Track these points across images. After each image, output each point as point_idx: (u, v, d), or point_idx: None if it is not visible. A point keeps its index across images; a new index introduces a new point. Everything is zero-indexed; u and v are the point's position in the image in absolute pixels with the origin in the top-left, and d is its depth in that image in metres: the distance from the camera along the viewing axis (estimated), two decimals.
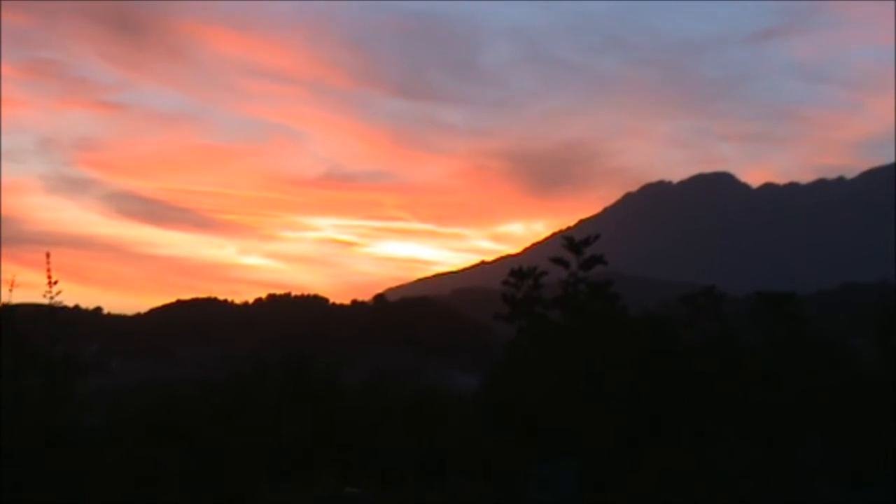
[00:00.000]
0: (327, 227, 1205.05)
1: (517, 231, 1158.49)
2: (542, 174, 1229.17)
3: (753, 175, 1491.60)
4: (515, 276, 30.75)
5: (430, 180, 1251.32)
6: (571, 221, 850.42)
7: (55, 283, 17.72)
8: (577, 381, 28.46)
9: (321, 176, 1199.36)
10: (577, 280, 29.83)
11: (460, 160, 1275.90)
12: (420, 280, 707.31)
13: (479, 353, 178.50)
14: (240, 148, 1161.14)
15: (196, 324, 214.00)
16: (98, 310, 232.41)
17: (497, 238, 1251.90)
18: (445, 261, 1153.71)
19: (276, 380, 39.18)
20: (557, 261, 30.12)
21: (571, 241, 29.98)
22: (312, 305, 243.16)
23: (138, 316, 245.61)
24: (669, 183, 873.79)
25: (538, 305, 30.39)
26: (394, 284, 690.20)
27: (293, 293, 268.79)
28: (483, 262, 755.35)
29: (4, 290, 18.56)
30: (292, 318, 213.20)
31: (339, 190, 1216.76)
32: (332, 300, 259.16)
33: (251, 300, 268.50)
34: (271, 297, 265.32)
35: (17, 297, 18.60)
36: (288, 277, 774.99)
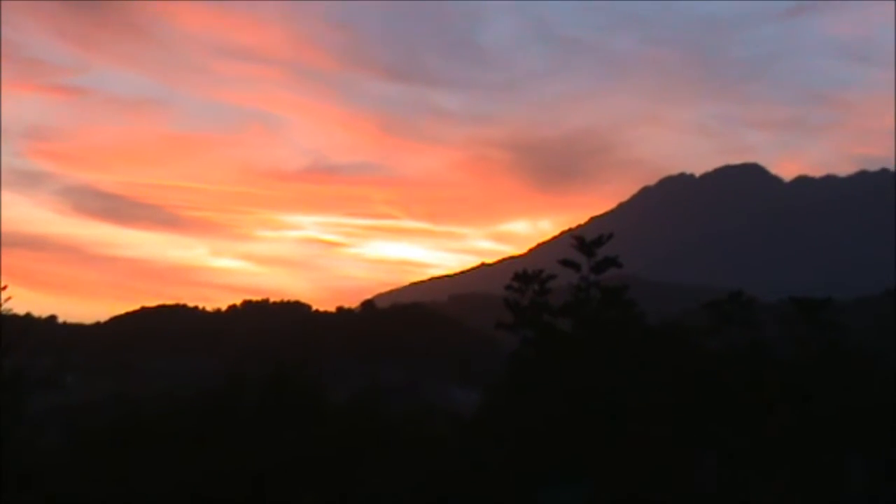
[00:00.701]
0: (310, 225, 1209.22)
1: (521, 230, 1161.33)
2: (550, 166, 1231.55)
3: (786, 167, 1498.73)
4: (520, 281, 30.71)
5: (425, 173, 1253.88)
6: (582, 219, 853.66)
7: (4, 288, 17.72)
8: (588, 398, 28.42)
9: (303, 168, 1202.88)
10: (588, 285, 29.79)
11: (458, 150, 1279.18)
12: (413, 285, 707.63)
13: (480, 367, 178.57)
14: (212, 137, 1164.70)
15: (163, 334, 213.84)
16: (52, 318, 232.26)
17: (499, 238, 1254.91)
18: (441, 263, 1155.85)
19: (253, 397, 39.12)
20: (567, 263, 30.10)
21: (582, 242, 29.94)
22: (293, 313, 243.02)
23: (98, 325, 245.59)
24: (691, 176, 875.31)
25: (545, 313, 30.34)
26: (384, 289, 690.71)
27: (271, 299, 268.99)
28: (483, 265, 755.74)
29: None
30: (271, 327, 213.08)
31: (323, 184, 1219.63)
32: (315, 307, 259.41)
33: (224, 307, 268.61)
34: (247, 303, 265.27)
35: None
36: (266, 282, 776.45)
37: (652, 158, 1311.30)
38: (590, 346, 29.45)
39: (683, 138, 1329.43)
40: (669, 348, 30.29)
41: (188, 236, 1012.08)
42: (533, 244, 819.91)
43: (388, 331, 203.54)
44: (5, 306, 18.71)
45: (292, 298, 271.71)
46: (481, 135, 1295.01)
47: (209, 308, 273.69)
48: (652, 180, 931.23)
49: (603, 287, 29.79)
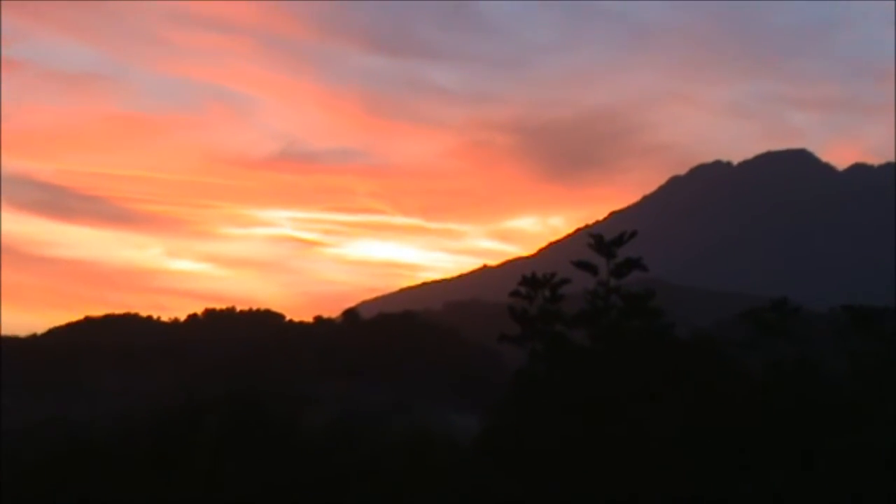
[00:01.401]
0: (283, 221, 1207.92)
1: (529, 227, 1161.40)
2: (562, 153, 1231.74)
3: (839, 153, 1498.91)
4: (527, 286, 30.80)
5: (416, 161, 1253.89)
6: (600, 214, 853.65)
7: None
8: (608, 421, 28.50)
9: (274, 155, 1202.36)
10: (607, 290, 29.88)
11: (455, 134, 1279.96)
12: (403, 291, 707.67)
13: (481, 386, 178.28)
14: (167, 119, 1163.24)
15: (111, 349, 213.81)
16: None
17: (503, 236, 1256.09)
18: (436, 265, 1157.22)
19: (215, 423, 39.11)
20: (582, 265, 30.20)
21: (600, 241, 30.03)
22: (263, 324, 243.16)
23: (35, 338, 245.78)
24: (728, 164, 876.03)
25: (557, 323, 30.43)
26: (369, 296, 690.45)
27: (238, 308, 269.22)
28: (485, 268, 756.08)
29: None
30: (237, 340, 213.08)
31: (298, 173, 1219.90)
32: (288, 317, 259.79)
33: (183, 317, 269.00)
34: (210, 313, 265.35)
35: None
36: (231, 287, 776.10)
37: (682, 144, 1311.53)
38: (609, 362, 29.55)
39: (718, 120, 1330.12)
40: (702, 365, 30.38)
41: (140, 234, 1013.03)
42: (542, 244, 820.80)
43: (374, 345, 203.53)
44: None
45: (262, 307, 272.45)
46: (482, 116, 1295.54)
47: (165, 318, 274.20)
48: (682, 169, 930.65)
49: (624, 293, 29.89)
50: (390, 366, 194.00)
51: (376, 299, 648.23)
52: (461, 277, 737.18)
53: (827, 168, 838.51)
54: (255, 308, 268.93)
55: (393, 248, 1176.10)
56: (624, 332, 29.47)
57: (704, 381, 29.25)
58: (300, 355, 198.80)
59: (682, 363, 29.63)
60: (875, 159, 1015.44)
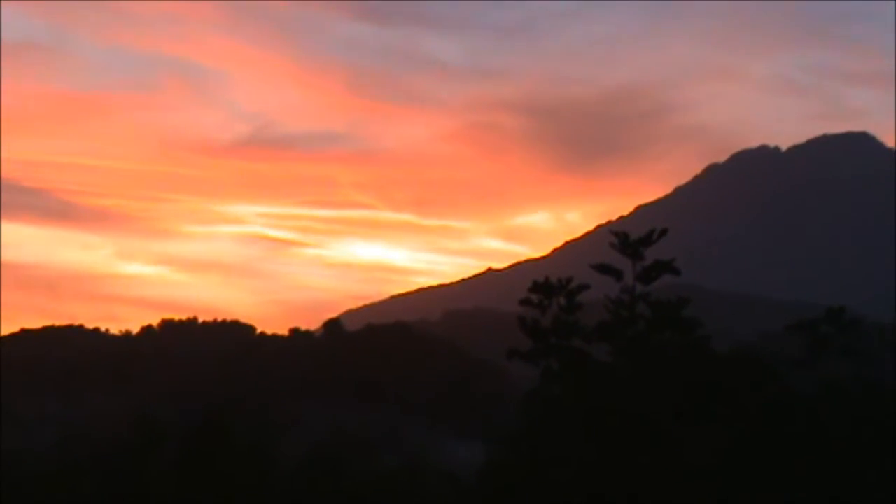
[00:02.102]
0: (252, 217, 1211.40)
1: (541, 224, 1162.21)
2: (580, 138, 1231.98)
3: None
4: (540, 292, 30.73)
5: (410, 147, 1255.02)
6: (625, 209, 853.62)
7: None
8: (636, 452, 28.47)
9: (243, 140, 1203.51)
10: (633, 298, 29.82)
11: (455, 116, 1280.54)
12: (395, 298, 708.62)
13: (485, 410, 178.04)
14: (117, 97, 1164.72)
15: (50, 366, 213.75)
16: None
17: (511, 235, 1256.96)
18: (433, 269, 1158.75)
19: (173, 453, 39.06)
20: (604, 269, 30.15)
21: (625, 240, 29.96)
22: (230, 337, 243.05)
23: None
24: (776, 149, 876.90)
25: (575, 336, 30.38)
26: (354, 305, 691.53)
27: (201, 318, 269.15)
28: (490, 271, 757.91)
29: None
30: (199, 356, 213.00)
31: (271, 161, 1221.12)
32: (260, 329, 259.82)
33: (136, 330, 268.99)
34: (167, 324, 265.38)
35: None
36: (193, 294, 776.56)
37: (721, 126, 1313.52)
38: (636, 382, 29.52)
39: (764, 99, 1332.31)
40: (745, 385, 30.33)
41: (86, 232, 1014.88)
42: (557, 243, 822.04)
43: (360, 361, 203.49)
44: None
45: (229, 317, 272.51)
46: (487, 94, 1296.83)
47: (115, 331, 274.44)
48: (721, 156, 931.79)
49: (653, 301, 29.84)
50: (379, 386, 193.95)
51: (363, 308, 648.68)
52: (462, 283, 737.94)
53: (889, 154, 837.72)
54: (220, 319, 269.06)
55: (382, 249, 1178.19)
56: (653, 346, 29.40)
57: (748, 403, 29.19)
58: (274, 374, 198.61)
59: (722, 383, 29.59)
60: None
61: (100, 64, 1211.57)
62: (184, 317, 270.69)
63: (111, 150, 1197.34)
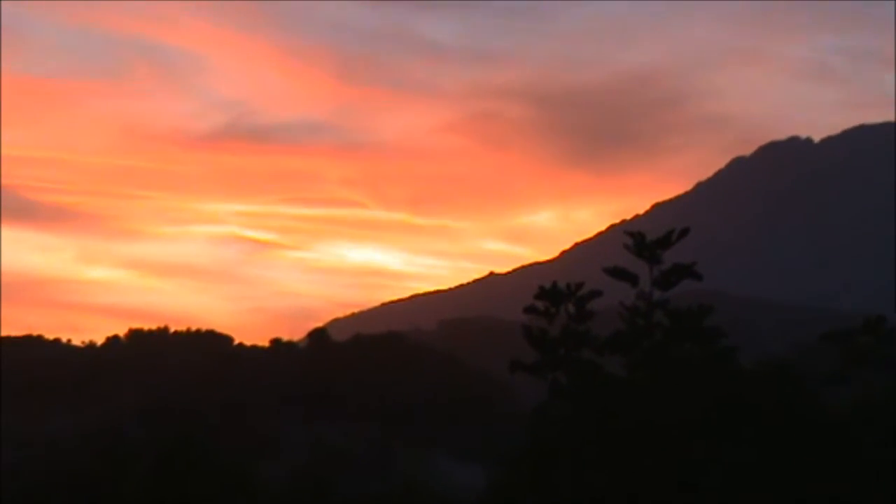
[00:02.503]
0: (229, 216, 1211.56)
1: (548, 224, 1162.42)
2: (591, 128, 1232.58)
3: None
4: (547, 299, 30.78)
5: (403, 139, 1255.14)
6: (640, 207, 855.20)
7: None
8: (653, 477, 28.52)
9: (219, 131, 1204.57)
10: (650, 305, 29.87)
11: (453, 105, 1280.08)
12: (387, 306, 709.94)
13: (486, 428, 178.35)
14: (79, 85, 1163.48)
15: (5, 380, 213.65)
16: None
17: (515, 235, 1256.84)
18: (428, 273, 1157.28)
19: (141, 474, 39.07)
20: (617, 273, 30.22)
21: (641, 241, 29.98)
22: (205, 349, 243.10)
23: None
24: (808, 141, 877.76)
25: (585, 347, 30.46)
26: (343, 313, 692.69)
27: (172, 328, 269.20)
28: (492, 276, 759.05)
29: None
30: (171, 370, 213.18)
31: (250, 154, 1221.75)
32: (238, 340, 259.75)
33: (100, 340, 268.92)
34: (135, 335, 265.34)
35: None
36: (164, 302, 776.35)
37: (747, 115, 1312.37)
38: (653, 398, 29.60)
39: (795, 85, 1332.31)
40: (774, 402, 30.38)
41: (45, 233, 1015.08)
42: (565, 245, 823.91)
43: (348, 375, 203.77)
44: None
45: (204, 326, 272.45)
46: (488, 81, 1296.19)
47: (77, 342, 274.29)
48: (747, 148, 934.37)
49: (672, 309, 29.92)
50: (370, 401, 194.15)
51: (351, 317, 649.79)
52: (461, 289, 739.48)
53: None
54: (194, 328, 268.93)
55: (373, 251, 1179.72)
56: (672, 359, 29.47)
57: (777, 423, 29.25)
58: (254, 389, 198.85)
59: (749, 399, 29.65)
60: None
61: (60, 47, 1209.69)
62: (153, 326, 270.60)
63: (73, 142, 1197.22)
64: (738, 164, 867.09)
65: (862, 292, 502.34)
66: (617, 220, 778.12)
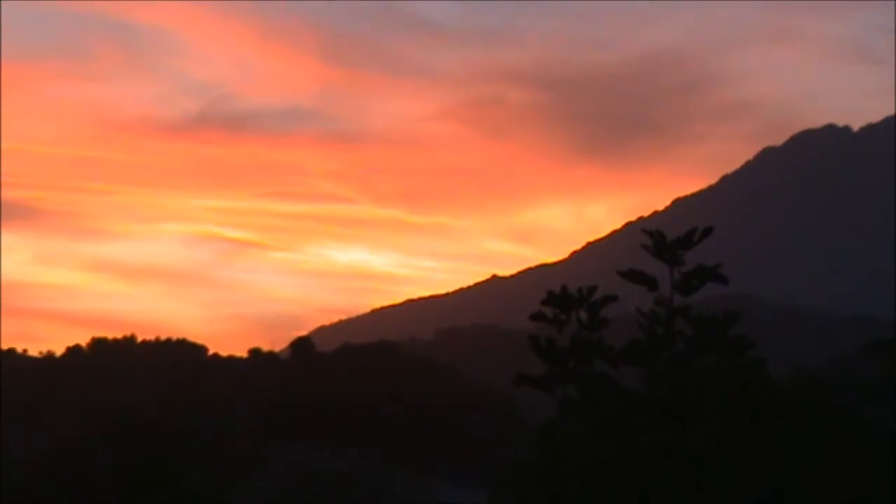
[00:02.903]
0: (204, 213, 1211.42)
1: (557, 221, 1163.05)
2: (605, 116, 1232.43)
3: None
4: (556, 305, 30.66)
5: (395, 128, 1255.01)
6: (659, 203, 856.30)
7: None
8: (675, 499, 28.41)
9: (192, 118, 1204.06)
10: (671, 312, 29.76)
11: (451, 89, 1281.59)
12: (378, 312, 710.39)
13: (487, 449, 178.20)
14: (37, 66, 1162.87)
15: None
16: None
17: (520, 234, 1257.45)
18: (424, 277, 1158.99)
19: (107, 498, 39.03)
20: (634, 276, 30.11)
21: (660, 240, 29.85)
22: (177, 360, 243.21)
23: None
24: (845, 130, 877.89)
25: (598, 358, 30.37)
26: (328, 320, 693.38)
27: (140, 337, 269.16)
28: (494, 279, 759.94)
29: None
30: (139, 383, 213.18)
31: (226, 145, 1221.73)
32: (213, 350, 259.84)
33: (59, 350, 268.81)
34: (99, 344, 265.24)
35: None
36: (130, 308, 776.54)
37: (778, 101, 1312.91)
38: (674, 416, 29.51)
39: (831, 68, 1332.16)
40: (810, 422, 30.28)
41: None
42: (577, 245, 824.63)
43: (334, 389, 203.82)
44: None
45: (175, 335, 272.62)
46: (491, 63, 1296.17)
47: (34, 352, 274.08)
48: (778, 138, 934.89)
49: (696, 317, 29.80)
50: (359, 419, 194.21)
51: (339, 324, 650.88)
52: (460, 294, 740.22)
53: None
54: (164, 338, 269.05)
55: (363, 252, 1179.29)
56: (695, 372, 29.37)
57: (814, 445, 29.15)
58: (230, 404, 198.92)
59: (782, 417, 29.55)
60: None
61: (13, 25, 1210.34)
62: (119, 335, 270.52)
63: (29, 131, 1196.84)
64: (768, 155, 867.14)
65: None
66: (633, 218, 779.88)
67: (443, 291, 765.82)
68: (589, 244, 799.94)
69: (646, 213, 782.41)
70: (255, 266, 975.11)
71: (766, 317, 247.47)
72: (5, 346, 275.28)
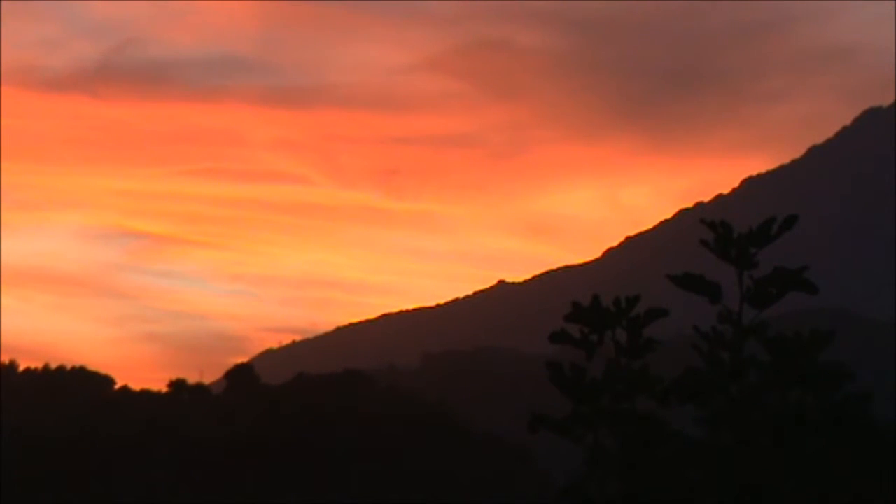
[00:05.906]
0: (107, 197, 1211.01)
1: (585, 209, 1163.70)
2: (648, 67, 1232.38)
3: None
4: (584, 321, 30.68)
5: (366, 83, 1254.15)
6: (724, 184, 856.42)
7: None
8: None
9: (90, 69, 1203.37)
10: (740, 331, 29.75)
11: (439, 31, 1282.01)
12: (343, 330, 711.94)
13: None
14: None
15: None
16: None
17: (534, 227, 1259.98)
18: (405, 284, 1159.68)
19: None
20: (690, 283, 30.09)
21: (726, 234, 29.82)
22: (76, 394, 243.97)
23: None
24: None
25: (641, 394, 30.40)
26: (277, 342, 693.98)
27: (23, 365, 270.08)
28: (501, 286, 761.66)
29: None
30: (20, 424, 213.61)
31: (137, 105, 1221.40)
32: (121, 381, 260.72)
33: None
34: None
35: None
36: (15, 326, 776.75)
37: (882, 49, 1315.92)
38: (745, 471, 29.56)
39: None
40: None
41: None
42: (612, 241, 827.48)
43: (285, 432, 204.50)
44: None
45: (71, 362, 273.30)
46: (494, 4, 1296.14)
47: None
48: (884, 97, 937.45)
49: (773, 337, 29.80)
50: (317, 469, 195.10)
51: (291, 347, 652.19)
52: (454, 305, 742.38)
53: None
54: (55, 365, 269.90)
55: (323, 251, 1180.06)
56: (774, 413, 29.37)
57: None
58: (145, 452, 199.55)
59: (892, 473, 29.61)
60: None
61: None
62: (2, 360, 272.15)
63: None
64: (868, 120, 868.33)
65: None
66: (689, 204, 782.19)
67: (431, 303, 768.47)
68: (628, 239, 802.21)
69: (706, 199, 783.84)
70: (177, 269, 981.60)
71: (869, 338, 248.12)
72: None
